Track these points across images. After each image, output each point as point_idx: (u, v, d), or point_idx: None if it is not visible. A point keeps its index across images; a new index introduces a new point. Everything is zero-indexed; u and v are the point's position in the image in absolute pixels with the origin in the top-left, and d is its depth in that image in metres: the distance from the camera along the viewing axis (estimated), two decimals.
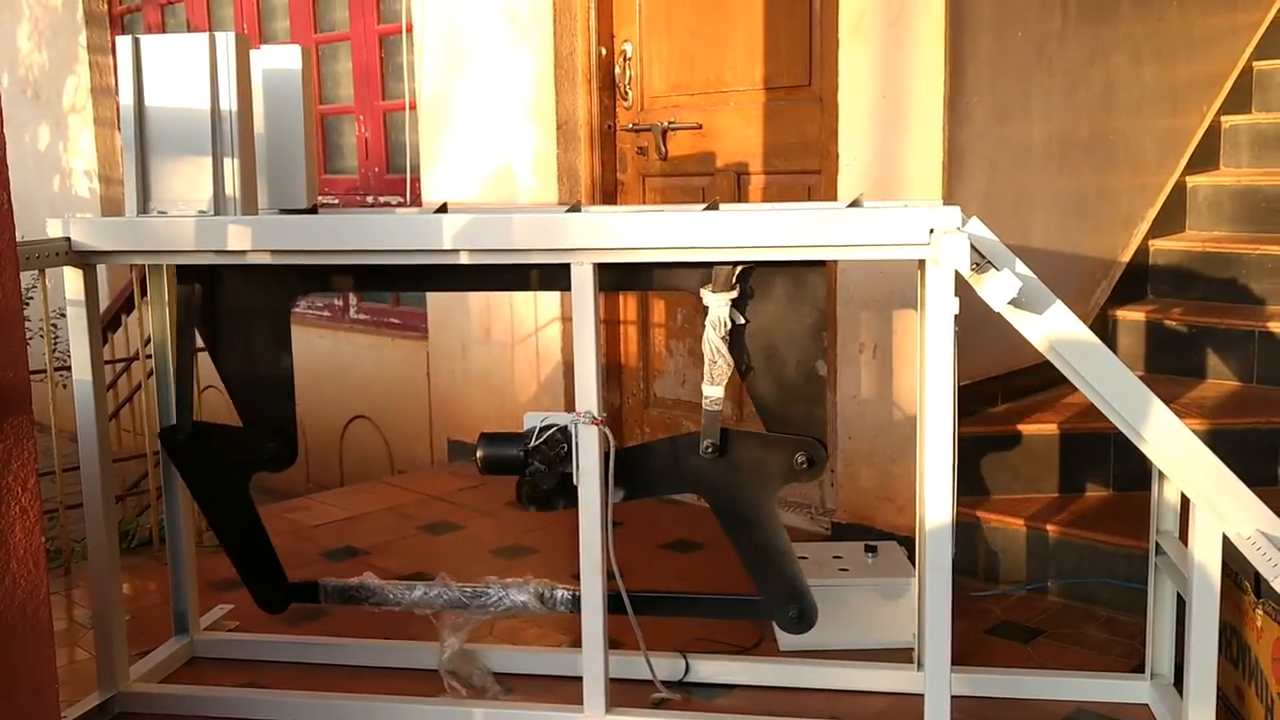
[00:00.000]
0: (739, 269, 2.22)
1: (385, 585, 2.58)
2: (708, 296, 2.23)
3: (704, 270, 2.23)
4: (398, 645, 2.71)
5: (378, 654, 2.68)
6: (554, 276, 2.28)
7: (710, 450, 2.27)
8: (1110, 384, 2.03)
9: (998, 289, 1.93)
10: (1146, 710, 2.37)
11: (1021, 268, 2.03)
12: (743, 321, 2.25)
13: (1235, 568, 2.23)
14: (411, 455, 4.82)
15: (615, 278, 2.28)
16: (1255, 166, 4.23)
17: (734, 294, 2.23)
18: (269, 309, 2.49)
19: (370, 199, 5.05)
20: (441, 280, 2.53)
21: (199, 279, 2.46)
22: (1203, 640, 2.08)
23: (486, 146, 4.28)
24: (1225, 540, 2.05)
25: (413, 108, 4.55)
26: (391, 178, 4.94)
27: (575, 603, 2.46)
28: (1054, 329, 2.03)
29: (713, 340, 2.24)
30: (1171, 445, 2.04)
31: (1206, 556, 2.06)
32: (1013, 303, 1.97)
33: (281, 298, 2.51)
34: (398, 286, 2.54)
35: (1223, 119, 4.30)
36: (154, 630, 2.80)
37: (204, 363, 2.59)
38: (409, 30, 4.51)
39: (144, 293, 3.71)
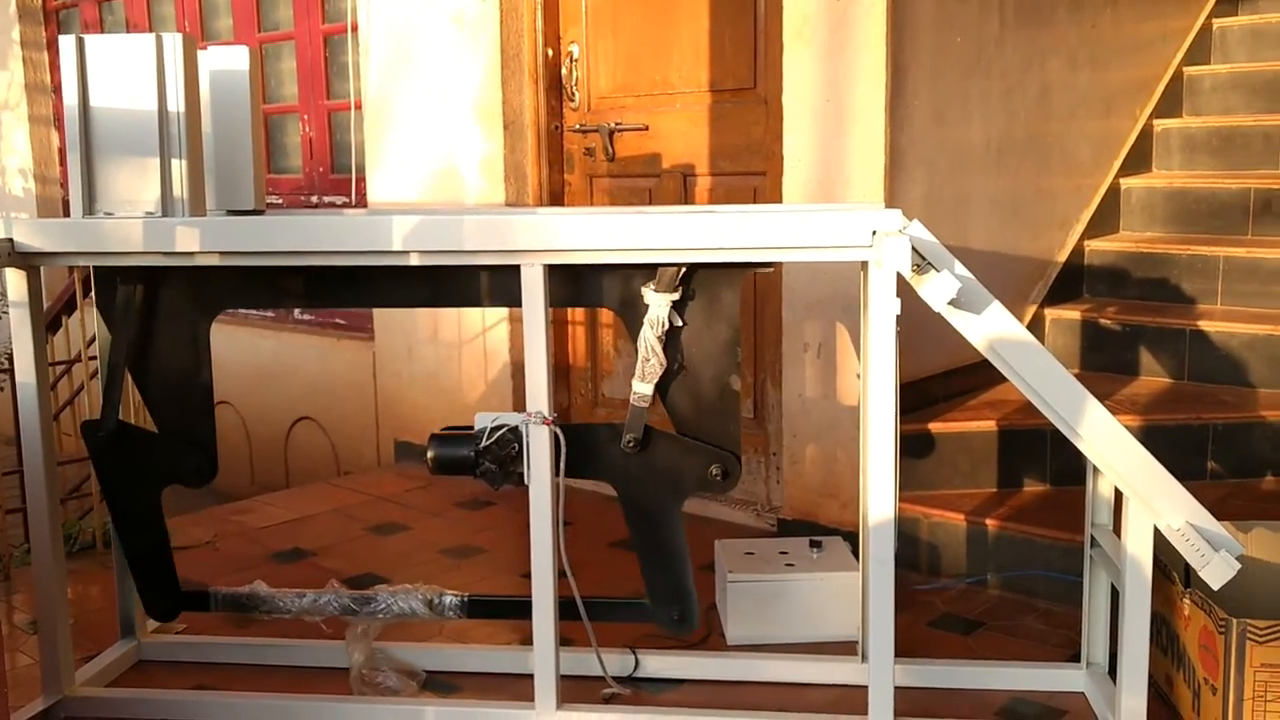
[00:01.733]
0: (681, 272, 2.25)
1: (275, 593, 2.58)
2: (650, 295, 2.26)
3: (648, 274, 2.27)
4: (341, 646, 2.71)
5: (326, 655, 2.67)
6: (504, 289, 2.31)
7: (631, 445, 2.31)
8: (1046, 382, 2.09)
9: (938, 290, 1.98)
10: (1082, 698, 2.44)
11: (960, 269, 2.08)
12: (680, 324, 2.28)
13: (1165, 559, 2.30)
14: (358, 457, 4.81)
15: (564, 292, 2.31)
16: (1186, 169, 4.36)
17: (675, 295, 2.26)
18: (191, 319, 2.47)
19: (315, 199, 5.02)
20: (386, 295, 2.50)
21: (139, 281, 2.44)
22: (1135, 629, 2.15)
23: (433, 147, 4.28)
24: (1156, 532, 2.13)
25: (358, 107, 4.54)
26: (336, 177, 4.92)
27: (463, 608, 2.52)
28: (992, 328, 2.09)
29: (649, 339, 2.27)
30: (1105, 441, 2.10)
31: (1138, 548, 2.14)
32: (952, 303, 2.03)
33: (204, 309, 2.47)
34: (340, 302, 2.51)
35: (1155, 123, 4.42)
36: (98, 634, 2.78)
37: None
38: (354, 30, 4.49)
39: (86, 294, 3.69)
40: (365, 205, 4.60)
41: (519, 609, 2.39)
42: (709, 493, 2.36)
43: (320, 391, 4.94)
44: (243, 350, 5.14)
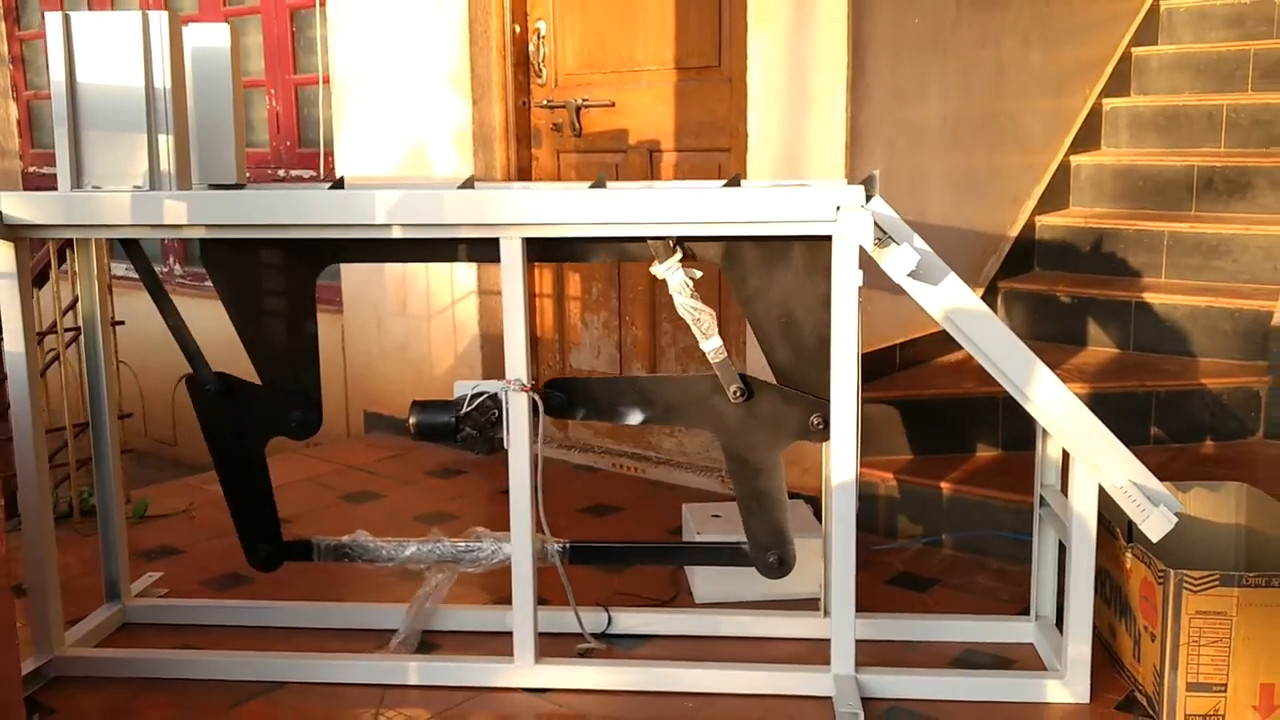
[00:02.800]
0: (674, 241, 2.34)
1: (377, 543, 2.66)
2: (659, 270, 2.35)
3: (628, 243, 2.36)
4: (326, 606, 2.80)
5: (303, 615, 2.76)
6: (483, 250, 2.39)
7: (739, 394, 2.40)
8: (998, 349, 2.22)
9: (899, 262, 2.10)
10: (1031, 648, 2.58)
11: (919, 242, 2.20)
12: (698, 274, 2.36)
13: (1109, 518, 2.44)
14: (328, 428, 4.84)
15: (540, 250, 2.39)
16: (1133, 147, 4.51)
17: (679, 256, 2.34)
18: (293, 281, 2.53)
19: (281, 173, 5.06)
20: (374, 251, 2.57)
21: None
22: (1080, 581, 2.29)
23: (401, 122, 4.33)
24: (1101, 491, 2.27)
25: (326, 82, 4.58)
26: (304, 152, 4.96)
27: (564, 554, 2.56)
28: (948, 299, 2.21)
29: (685, 303, 2.36)
30: (1053, 404, 2.23)
31: (1083, 506, 2.27)
32: (911, 274, 2.14)
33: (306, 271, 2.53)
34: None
35: (1104, 101, 4.57)
36: (79, 601, 2.83)
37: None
38: (322, 5, 4.53)
39: (60, 264, 3.72)
40: (333, 179, 4.64)
41: (628, 555, 2.45)
42: (809, 441, 2.42)
43: None
44: (204, 322, 5.16)
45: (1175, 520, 2.14)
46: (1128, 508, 2.18)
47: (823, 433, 2.39)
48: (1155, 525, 2.15)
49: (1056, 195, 4.33)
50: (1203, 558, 2.60)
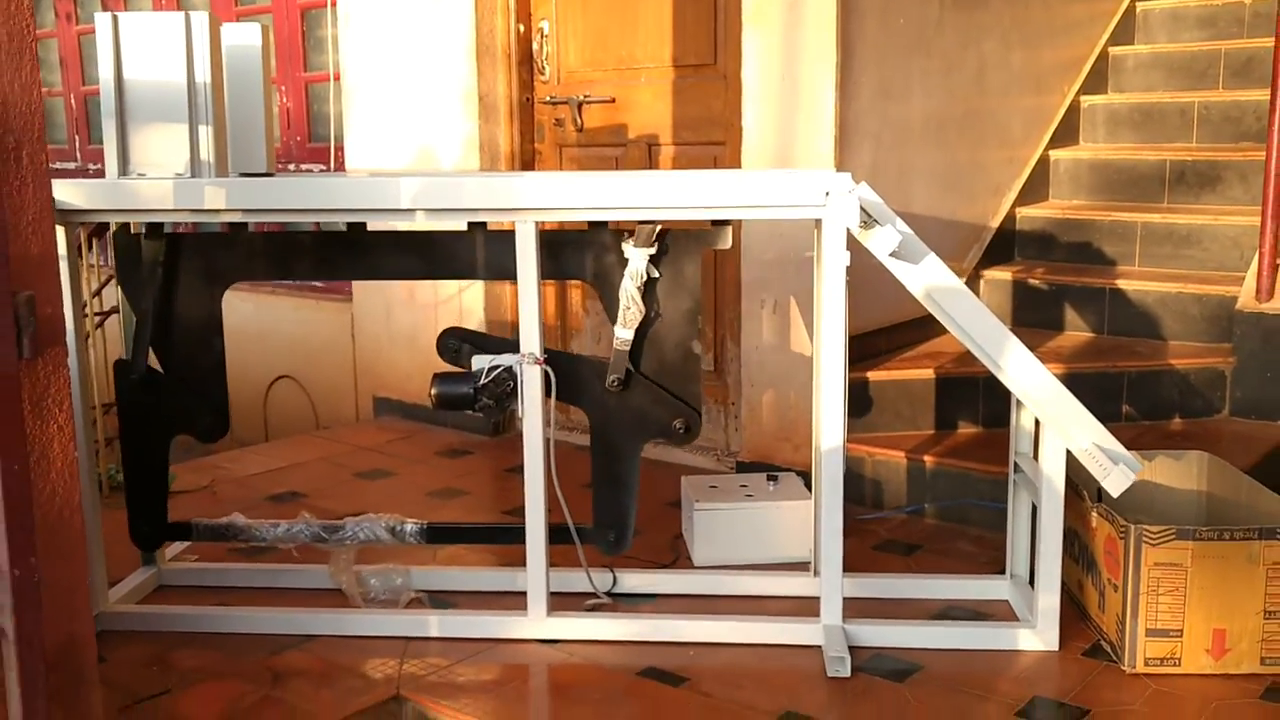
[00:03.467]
0: (658, 229, 2.54)
1: (252, 523, 2.86)
2: (629, 250, 2.55)
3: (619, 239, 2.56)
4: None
5: (327, 577, 2.94)
6: (498, 260, 2.60)
7: (615, 384, 2.61)
8: (974, 322, 2.42)
9: (882, 242, 2.30)
10: (1006, 604, 2.78)
11: (901, 225, 2.40)
12: (657, 275, 2.58)
13: (1078, 482, 2.64)
14: (336, 413, 5.06)
15: (550, 266, 2.59)
16: (1110, 142, 4.72)
17: (652, 250, 2.56)
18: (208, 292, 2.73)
19: (293, 166, 5.24)
20: (384, 268, 2.76)
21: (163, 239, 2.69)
22: (1049, 536, 2.49)
23: (409, 118, 4.52)
24: (1069, 455, 2.47)
25: (336, 79, 4.77)
26: (314, 146, 5.15)
27: (421, 534, 2.81)
28: (928, 277, 2.41)
29: (629, 289, 2.57)
30: (1023, 373, 2.43)
31: (1052, 468, 2.47)
32: (894, 254, 2.34)
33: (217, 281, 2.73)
34: (340, 275, 2.81)
35: (1082, 99, 4.77)
36: (115, 567, 2.99)
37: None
38: (332, 4, 4.71)
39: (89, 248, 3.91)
40: (344, 172, 4.83)
41: (478, 534, 2.68)
42: (669, 441, 2.66)
43: (299, 352, 5.18)
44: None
45: (1134, 477, 2.34)
46: (1091, 467, 2.38)
47: (684, 436, 2.63)
48: (1115, 482, 2.35)
49: (1036, 188, 4.54)
50: (1166, 521, 2.80)
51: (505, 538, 2.94)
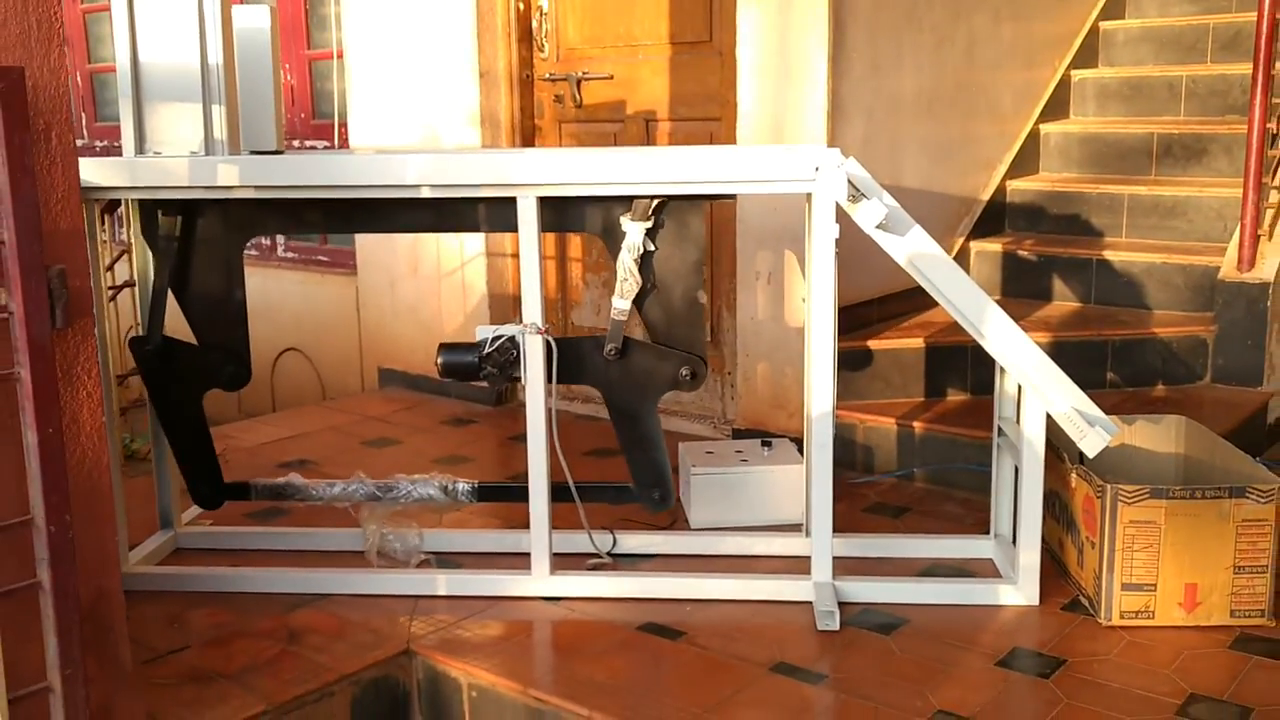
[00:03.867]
0: (655, 203, 2.65)
1: (309, 483, 2.98)
2: (626, 224, 2.65)
3: (625, 205, 2.66)
4: (356, 532, 3.10)
5: (341, 540, 3.06)
6: (502, 217, 2.68)
7: (612, 353, 2.71)
8: (956, 291, 2.52)
9: (869, 214, 2.40)
10: (990, 563, 2.90)
11: (888, 199, 2.50)
12: (653, 249, 2.68)
13: (1059, 445, 2.76)
14: (343, 384, 5.17)
15: (550, 218, 2.68)
16: (1099, 116, 4.81)
17: (649, 224, 2.66)
18: (226, 246, 2.82)
19: (297, 143, 5.33)
20: (397, 220, 2.84)
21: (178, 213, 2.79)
22: (1030, 495, 2.61)
23: (411, 95, 4.61)
24: (1049, 419, 2.58)
25: (339, 57, 4.85)
26: (318, 123, 5.24)
27: (474, 494, 2.92)
28: (913, 247, 2.51)
29: (626, 261, 2.67)
30: (1004, 339, 2.54)
31: (1033, 430, 2.59)
32: (880, 226, 2.44)
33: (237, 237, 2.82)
34: (355, 229, 2.87)
35: (1072, 73, 4.86)
36: (133, 531, 3.10)
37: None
38: None
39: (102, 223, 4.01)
40: (348, 149, 4.92)
41: (522, 494, 2.78)
42: (680, 390, 2.75)
43: (305, 325, 5.29)
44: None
45: (1108, 439, 2.46)
46: (1068, 428, 2.49)
47: (691, 383, 2.72)
48: (1092, 443, 2.46)
49: (1027, 161, 4.63)
50: (1145, 482, 2.91)
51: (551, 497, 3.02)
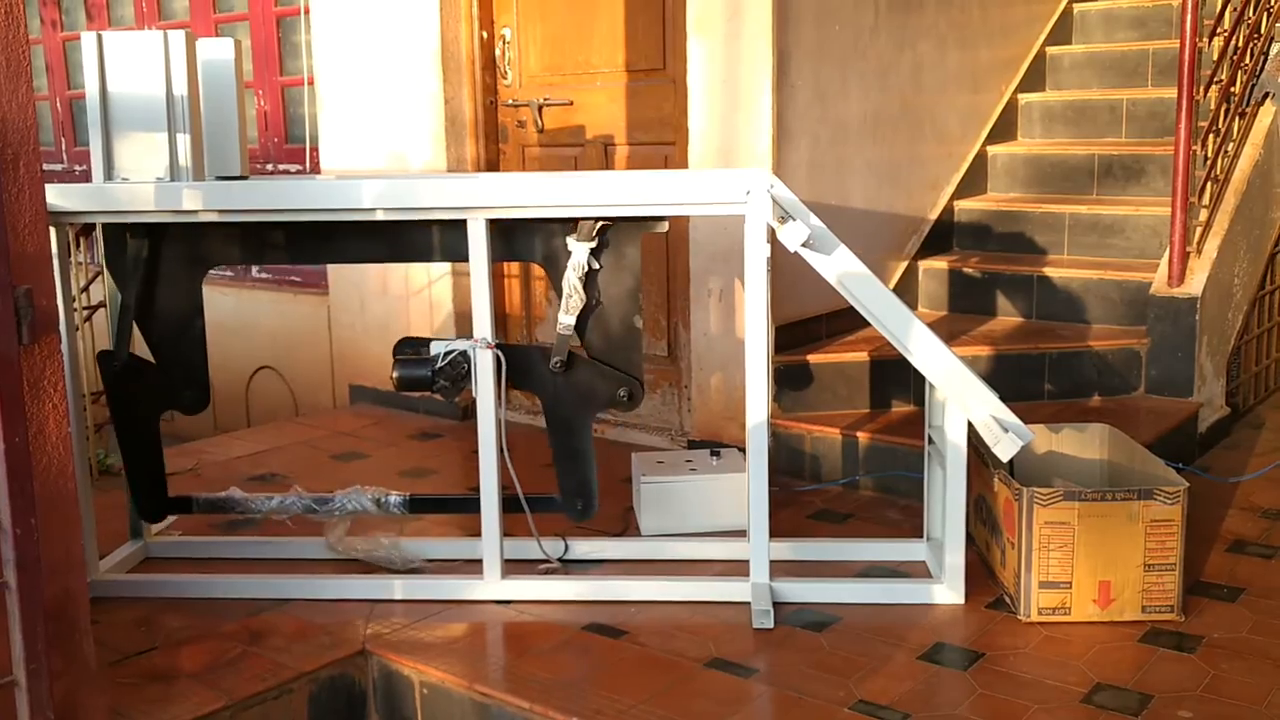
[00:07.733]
0: (599, 224, 2.79)
1: (248, 496, 3.11)
2: (572, 244, 2.80)
3: (570, 229, 2.81)
4: (320, 541, 3.23)
5: (301, 549, 3.19)
6: (453, 247, 2.83)
7: (558, 366, 2.86)
8: (881, 307, 2.68)
9: (792, 234, 2.56)
10: (923, 564, 3.05)
11: (814, 220, 2.65)
12: (598, 267, 2.82)
13: (984, 451, 2.90)
14: (315, 401, 5.30)
15: (502, 249, 2.83)
16: (1045, 138, 4.98)
17: (593, 243, 2.80)
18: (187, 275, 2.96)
19: (270, 167, 5.47)
20: (352, 252, 2.98)
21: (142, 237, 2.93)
22: (954, 498, 2.76)
23: (379, 120, 4.76)
24: (970, 426, 2.73)
25: (310, 84, 5.00)
26: (290, 147, 5.38)
27: (405, 505, 3.05)
28: (839, 266, 2.67)
29: (572, 279, 2.81)
30: (927, 352, 2.69)
31: (956, 436, 2.74)
32: (806, 245, 2.59)
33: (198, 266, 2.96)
34: (313, 259, 3.00)
35: (1019, 96, 5.04)
36: (104, 542, 3.20)
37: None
38: (306, 12, 4.94)
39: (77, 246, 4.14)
40: (319, 172, 5.07)
41: (453, 505, 2.93)
42: (617, 409, 2.90)
43: (278, 343, 5.42)
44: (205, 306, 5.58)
45: (1020, 444, 2.61)
46: (985, 435, 2.64)
47: (628, 404, 2.87)
48: (1005, 448, 2.61)
49: (974, 182, 4.80)
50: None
51: (479, 507, 3.16)
